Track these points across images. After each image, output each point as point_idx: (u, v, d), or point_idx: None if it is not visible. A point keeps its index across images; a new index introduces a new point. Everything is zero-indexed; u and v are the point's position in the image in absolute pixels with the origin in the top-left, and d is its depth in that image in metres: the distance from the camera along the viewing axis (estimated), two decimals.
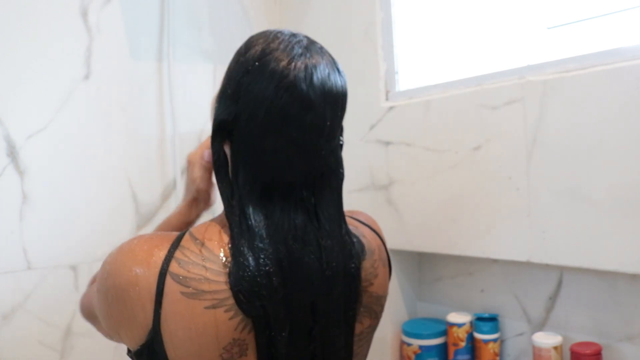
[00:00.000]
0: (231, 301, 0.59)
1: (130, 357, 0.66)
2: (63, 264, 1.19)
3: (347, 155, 0.70)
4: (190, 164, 0.79)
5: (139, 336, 0.61)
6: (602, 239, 0.89)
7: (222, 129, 0.63)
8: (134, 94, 1.32)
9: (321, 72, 0.61)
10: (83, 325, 1.21)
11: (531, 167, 0.98)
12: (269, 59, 0.60)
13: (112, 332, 0.65)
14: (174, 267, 0.60)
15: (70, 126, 1.22)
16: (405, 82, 1.27)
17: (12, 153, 1.14)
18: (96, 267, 1.20)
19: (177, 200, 1.35)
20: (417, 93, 1.21)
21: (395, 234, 1.22)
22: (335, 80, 0.63)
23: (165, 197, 1.37)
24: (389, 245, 1.23)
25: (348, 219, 0.71)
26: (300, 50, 0.61)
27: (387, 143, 1.24)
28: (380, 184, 1.24)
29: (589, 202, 0.91)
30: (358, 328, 0.70)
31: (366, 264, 0.69)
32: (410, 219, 1.19)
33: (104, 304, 0.62)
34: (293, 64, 0.59)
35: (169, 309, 0.59)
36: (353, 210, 0.80)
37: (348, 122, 1.07)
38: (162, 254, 0.61)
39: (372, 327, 0.74)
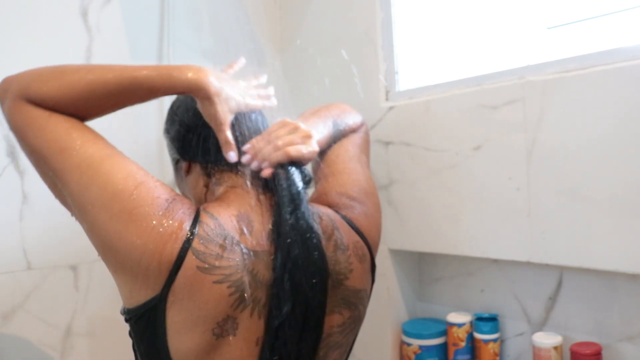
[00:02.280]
0: (234, 277, 0.64)
1: (125, 316, 0.68)
2: (63, 264, 1.19)
3: None
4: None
5: (138, 292, 0.64)
6: (602, 239, 0.89)
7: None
8: None
9: None
10: (83, 326, 1.21)
11: (531, 167, 0.98)
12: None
13: (109, 257, 0.66)
14: (196, 243, 0.64)
15: None
16: (405, 82, 1.27)
17: (12, 153, 1.14)
18: (96, 267, 1.22)
19: None
20: (417, 93, 1.21)
21: (395, 234, 1.22)
22: None
23: None
24: (389, 245, 1.24)
25: (327, 210, 0.77)
26: None
27: (387, 143, 1.24)
28: (380, 184, 1.24)
29: (589, 202, 0.91)
30: (339, 319, 0.74)
31: (340, 258, 0.74)
32: (410, 219, 1.19)
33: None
34: None
35: (182, 281, 0.62)
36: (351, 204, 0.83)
37: None
38: (188, 229, 0.64)
39: (354, 319, 0.77)
